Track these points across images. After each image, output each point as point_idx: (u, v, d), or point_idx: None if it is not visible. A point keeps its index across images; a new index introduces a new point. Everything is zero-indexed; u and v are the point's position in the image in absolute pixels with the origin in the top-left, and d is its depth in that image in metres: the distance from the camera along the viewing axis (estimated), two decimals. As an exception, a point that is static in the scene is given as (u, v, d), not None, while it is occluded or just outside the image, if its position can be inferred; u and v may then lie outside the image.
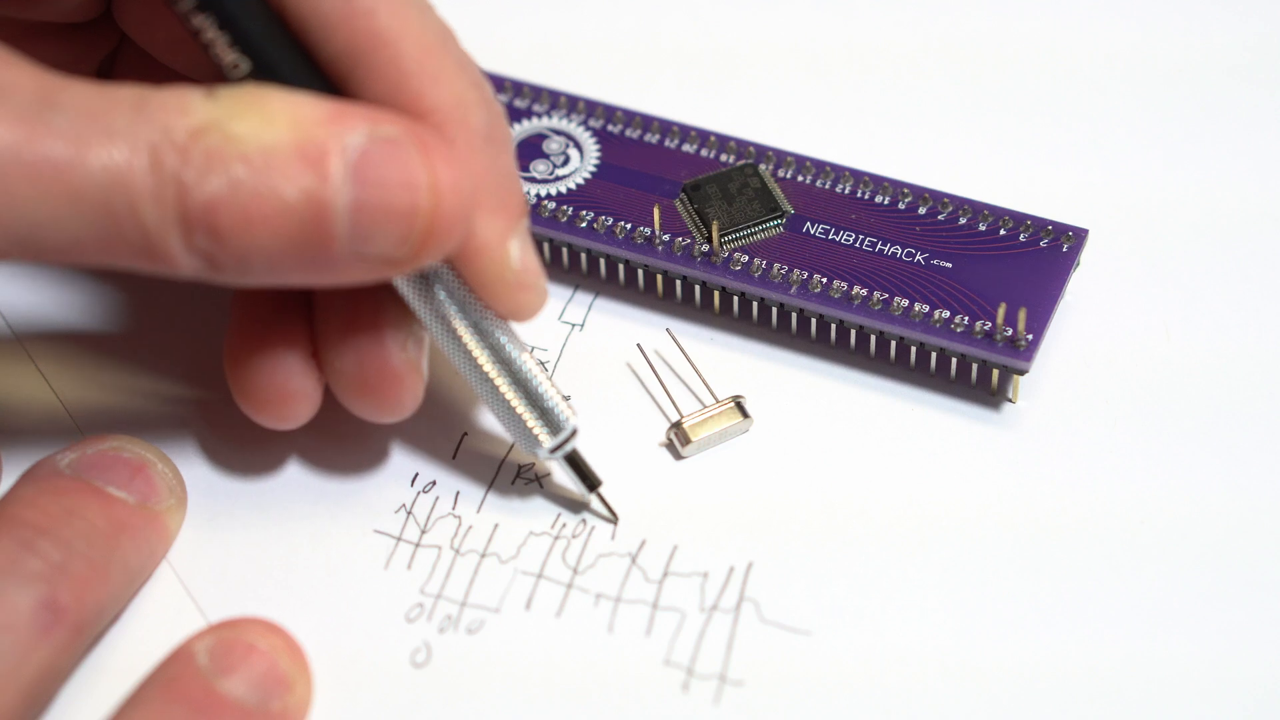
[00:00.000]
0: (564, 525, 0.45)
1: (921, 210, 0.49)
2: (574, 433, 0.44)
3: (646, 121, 0.51)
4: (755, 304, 0.48)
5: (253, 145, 0.38)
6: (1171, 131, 0.53)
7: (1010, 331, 0.46)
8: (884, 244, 0.48)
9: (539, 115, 0.51)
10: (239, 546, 0.45)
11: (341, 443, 0.47)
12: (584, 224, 0.49)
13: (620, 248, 0.49)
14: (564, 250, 0.50)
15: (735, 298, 0.49)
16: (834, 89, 0.55)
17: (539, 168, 0.50)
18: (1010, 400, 0.47)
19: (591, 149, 0.51)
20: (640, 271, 0.49)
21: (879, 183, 0.49)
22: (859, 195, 0.49)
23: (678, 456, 0.47)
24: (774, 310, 0.48)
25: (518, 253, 0.42)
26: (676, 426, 0.46)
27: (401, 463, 0.46)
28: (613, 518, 0.45)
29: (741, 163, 0.50)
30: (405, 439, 0.47)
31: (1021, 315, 0.46)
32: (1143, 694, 0.42)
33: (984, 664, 0.43)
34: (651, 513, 0.45)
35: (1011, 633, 0.43)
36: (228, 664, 0.41)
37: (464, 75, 0.42)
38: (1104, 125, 0.53)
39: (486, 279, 0.42)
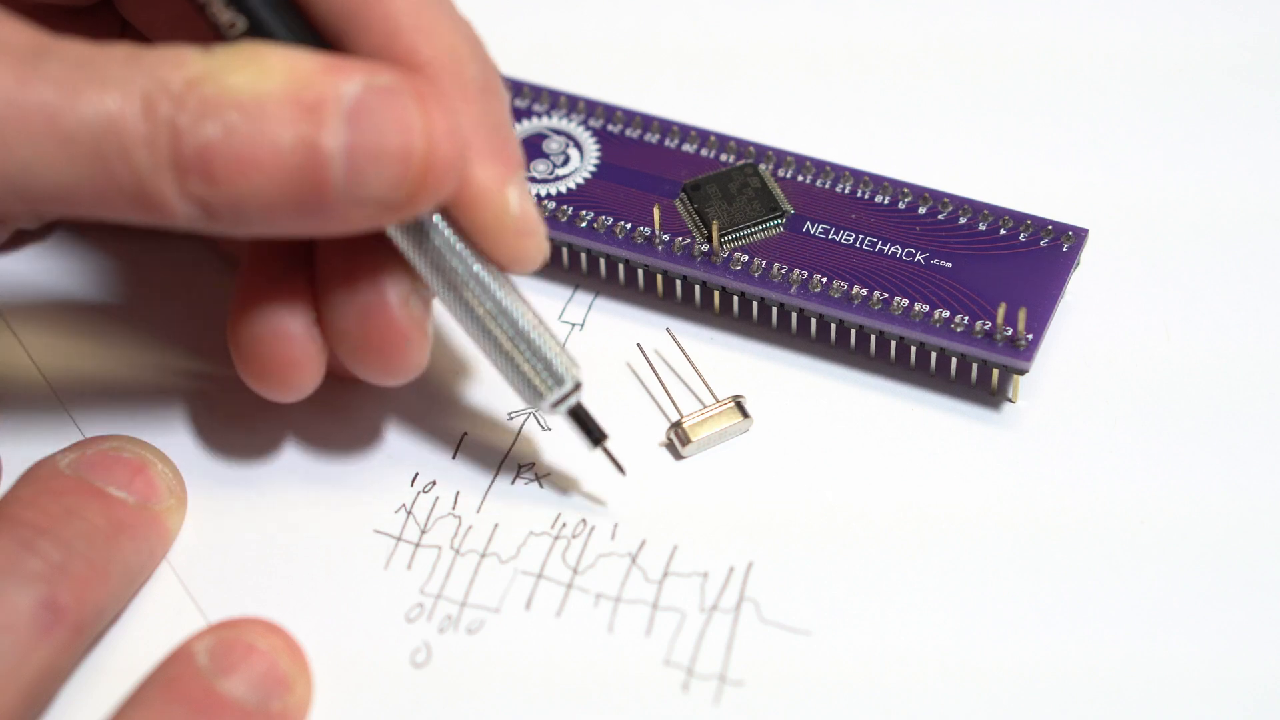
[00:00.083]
0: (564, 525, 0.45)
1: (921, 210, 0.49)
2: (577, 386, 0.44)
3: (646, 121, 0.51)
4: (755, 304, 0.48)
5: (248, 94, 0.38)
6: (1171, 131, 0.53)
7: (1010, 331, 0.46)
8: (884, 244, 0.48)
9: (539, 115, 0.51)
10: (239, 546, 0.45)
11: (342, 443, 0.47)
12: (584, 224, 0.49)
13: (620, 247, 0.49)
14: (564, 250, 0.49)
15: (735, 297, 0.49)
16: (834, 89, 0.55)
17: (539, 167, 0.50)
18: (1010, 400, 0.47)
19: (591, 149, 0.51)
20: (640, 271, 0.49)
21: (879, 182, 0.49)
22: (859, 195, 0.49)
23: (678, 456, 0.47)
24: (774, 310, 0.48)
25: (516, 200, 0.42)
26: (676, 426, 0.46)
27: (401, 463, 0.46)
28: (620, 470, 0.45)
29: (741, 163, 0.50)
30: (405, 439, 0.47)
31: (1021, 315, 0.46)
32: (1143, 694, 0.42)
33: (984, 664, 0.43)
34: (651, 513, 0.45)
35: (1011, 633, 0.43)
36: (228, 664, 0.41)
37: (457, 30, 0.42)
38: (1104, 125, 0.53)
39: (486, 226, 0.42)
